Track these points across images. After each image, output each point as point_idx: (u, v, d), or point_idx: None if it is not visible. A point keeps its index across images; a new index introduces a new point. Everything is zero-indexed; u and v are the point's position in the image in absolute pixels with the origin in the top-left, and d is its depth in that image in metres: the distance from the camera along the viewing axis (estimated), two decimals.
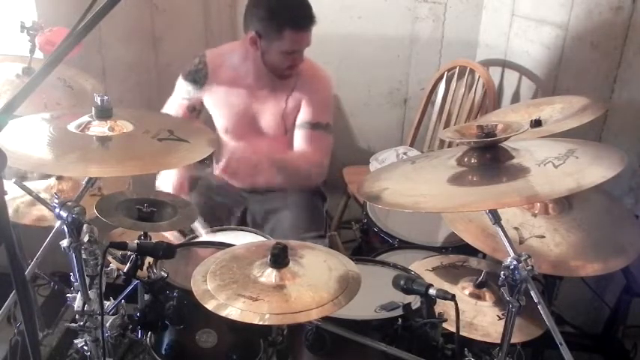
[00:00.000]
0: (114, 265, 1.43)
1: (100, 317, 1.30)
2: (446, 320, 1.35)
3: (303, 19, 1.92)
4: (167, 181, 2.07)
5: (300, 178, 2.09)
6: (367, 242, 2.09)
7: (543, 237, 1.53)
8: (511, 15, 2.53)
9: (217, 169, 2.19)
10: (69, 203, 1.22)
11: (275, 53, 1.95)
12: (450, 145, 2.49)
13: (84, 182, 1.43)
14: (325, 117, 2.09)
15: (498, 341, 1.30)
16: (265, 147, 2.12)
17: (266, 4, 1.93)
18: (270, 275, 1.23)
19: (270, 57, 1.97)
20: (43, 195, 1.64)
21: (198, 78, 2.09)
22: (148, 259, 1.38)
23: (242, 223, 2.08)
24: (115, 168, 1.34)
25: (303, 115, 2.07)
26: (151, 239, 1.49)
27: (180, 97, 2.15)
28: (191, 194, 2.11)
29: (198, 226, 1.77)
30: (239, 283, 1.22)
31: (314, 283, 1.22)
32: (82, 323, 1.30)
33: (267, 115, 2.09)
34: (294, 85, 2.05)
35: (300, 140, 2.08)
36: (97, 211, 1.47)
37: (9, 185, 1.61)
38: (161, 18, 2.78)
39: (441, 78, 2.71)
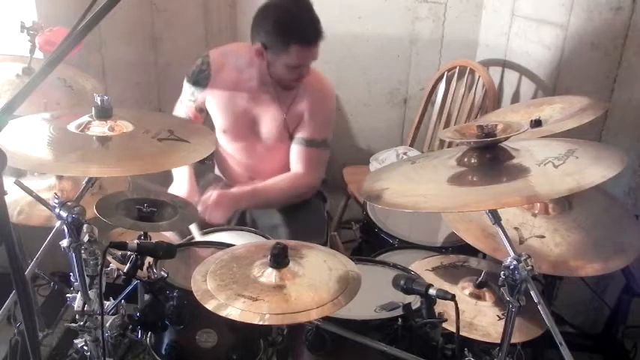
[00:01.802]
0: (114, 265, 1.43)
1: (100, 317, 1.30)
2: (446, 320, 1.35)
3: (311, 35, 1.88)
4: (179, 189, 2.04)
5: (291, 198, 2.09)
6: (367, 242, 2.09)
7: (543, 237, 1.53)
8: (511, 15, 2.53)
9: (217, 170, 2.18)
10: (69, 203, 1.22)
11: (281, 66, 1.91)
12: (450, 145, 2.49)
13: (84, 182, 1.43)
14: (323, 133, 2.07)
15: (498, 341, 1.30)
16: (263, 151, 2.12)
17: (273, 17, 1.88)
18: (270, 275, 1.23)
19: (275, 69, 1.93)
20: (43, 195, 1.63)
21: (202, 79, 2.07)
22: (148, 259, 1.38)
23: (241, 225, 2.07)
24: (115, 168, 1.33)
25: (301, 129, 2.05)
26: (150, 239, 1.49)
27: (187, 99, 2.14)
28: None
29: (194, 229, 1.77)
30: (239, 283, 1.22)
31: (314, 283, 1.22)
32: (82, 323, 1.30)
33: (268, 120, 2.07)
34: (297, 95, 2.02)
35: (294, 157, 2.08)
36: (97, 211, 1.47)
37: (9, 185, 1.61)
38: (161, 18, 2.79)
39: (440, 78, 2.71)
